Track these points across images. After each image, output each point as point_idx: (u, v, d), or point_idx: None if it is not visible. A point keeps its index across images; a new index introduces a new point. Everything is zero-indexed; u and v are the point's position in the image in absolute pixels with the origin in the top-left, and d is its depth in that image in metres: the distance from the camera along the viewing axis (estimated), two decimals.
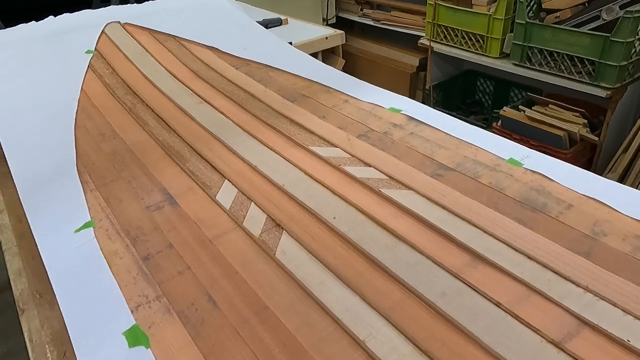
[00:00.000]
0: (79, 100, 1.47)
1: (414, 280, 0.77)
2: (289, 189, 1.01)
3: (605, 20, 2.00)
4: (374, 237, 0.87)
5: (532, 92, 2.42)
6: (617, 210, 0.90)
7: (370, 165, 1.08)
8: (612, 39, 1.93)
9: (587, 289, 0.73)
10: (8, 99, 1.49)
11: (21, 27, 1.94)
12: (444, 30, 2.62)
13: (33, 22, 1.96)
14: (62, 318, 0.78)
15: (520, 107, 2.27)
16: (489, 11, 2.38)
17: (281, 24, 2.45)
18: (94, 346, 0.72)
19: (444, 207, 0.92)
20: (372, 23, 3.29)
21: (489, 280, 0.76)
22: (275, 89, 1.50)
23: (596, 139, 2.11)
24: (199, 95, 1.47)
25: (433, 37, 2.69)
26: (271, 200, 0.99)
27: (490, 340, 0.66)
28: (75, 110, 1.42)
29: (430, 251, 0.83)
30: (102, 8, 2.13)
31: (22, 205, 1.06)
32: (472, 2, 2.47)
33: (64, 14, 2.02)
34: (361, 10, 3.41)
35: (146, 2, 2.27)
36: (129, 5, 2.18)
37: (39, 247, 0.93)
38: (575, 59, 2.10)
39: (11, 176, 1.16)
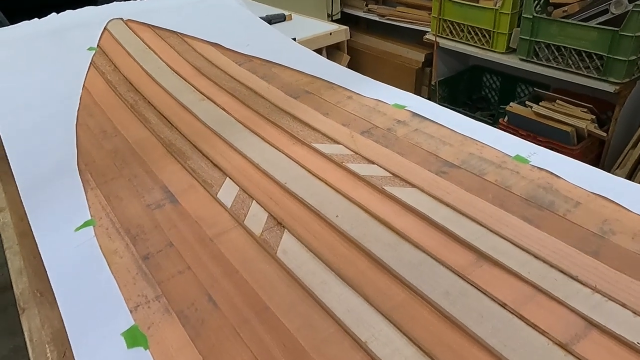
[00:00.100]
0: (80, 97, 1.46)
1: (417, 280, 0.75)
2: (291, 186, 1.00)
3: (613, 14, 1.97)
4: (377, 235, 0.85)
5: (539, 87, 2.40)
6: (626, 208, 0.87)
7: (373, 163, 1.06)
8: (621, 33, 1.90)
9: (595, 289, 0.71)
10: (10, 96, 1.49)
11: (24, 24, 1.93)
12: (450, 25, 2.60)
13: (35, 19, 1.95)
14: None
15: (527, 102, 2.24)
16: (495, 5, 2.35)
17: (285, 20, 2.44)
18: (93, 347, 0.71)
19: (448, 205, 0.91)
20: (377, 18, 3.26)
21: (495, 280, 0.75)
22: (278, 85, 1.48)
23: (604, 134, 2.08)
24: (201, 92, 1.46)
25: (439, 33, 2.66)
26: (273, 198, 0.97)
27: (495, 343, 0.65)
28: (77, 107, 1.41)
29: (434, 250, 0.81)
30: (105, 5, 2.12)
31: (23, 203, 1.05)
32: None
33: (67, 11, 2.01)
34: (366, 5, 3.38)
35: None
36: (131, 1, 2.17)
37: (38, 245, 0.92)
38: (583, 54, 2.07)
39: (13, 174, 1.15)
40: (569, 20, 2.06)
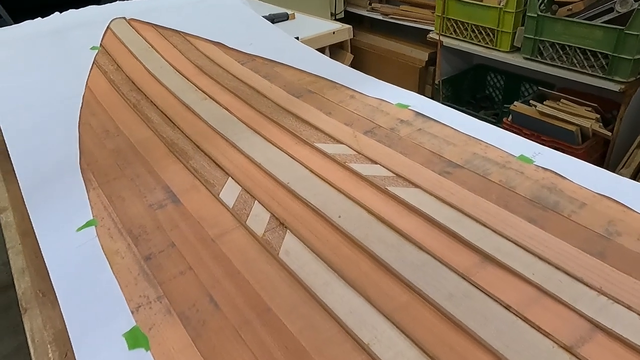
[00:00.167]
0: (83, 97, 1.46)
1: (420, 282, 0.74)
2: (294, 186, 0.99)
3: (619, 12, 1.96)
4: (380, 236, 0.85)
5: (544, 86, 2.39)
6: (632, 209, 0.86)
7: (376, 163, 1.05)
8: (627, 31, 1.89)
9: (600, 292, 0.70)
10: (13, 96, 1.49)
11: (26, 24, 1.94)
12: (454, 24, 2.59)
13: (38, 18, 1.95)
14: None
15: (531, 102, 2.23)
16: (499, 4, 2.34)
17: (288, 19, 2.43)
18: (94, 348, 0.71)
19: (452, 206, 0.90)
20: (380, 17, 3.25)
21: (499, 282, 0.74)
22: (281, 84, 1.48)
23: (609, 134, 2.07)
24: (203, 92, 1.45)
25: (442, 31, 2.65)
26: (275, 199, 0.97)
27: (499, 345, 0.64)
28: (80, 107, 1.41)
29: (438, 251, 0.80)
30: (108, 4, 2.12)
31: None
32: None
33: (70, 10, 2.01)
34: (370, 4, 3.37)
35: None
36: (134, 1, 2.17)
37: (40, 245, 0.92)
38: (588, 53, 2.06)
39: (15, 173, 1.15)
40: (574, 19, 2.05)
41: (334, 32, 2.28)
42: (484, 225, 0.85)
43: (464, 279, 0.75)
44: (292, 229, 0.88)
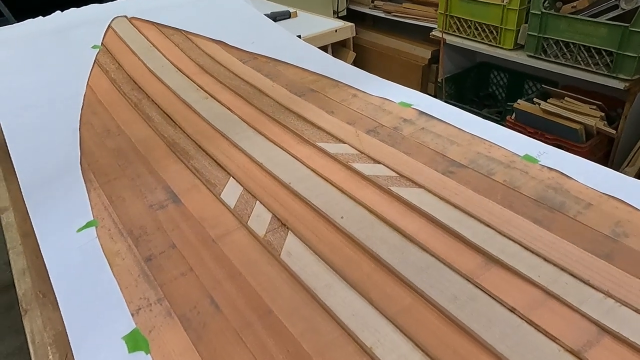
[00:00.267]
0: (84, 96, 1.45)
1: (424, 284, 0.73)
2: (296, 186, 0.98)
3: (623, 9, 1.94)
4: (383, 237, 0.84)
5: (547, 84, 2.37)
6: (639, 210, 0.85)
7: (379, 162, 1.04)
8: (631, 29, 1.87)
9: (607, 294, 0.69)
10: (14, 95, 1.48)
11: (28, 23, 1.93)
12: (457, 21, 2.57)
13: (40, 17, 1.95)
14: None
15: (535, 99, 2.21)
16: (503, 2, 2.32)
17: (290, 17, 2.42)
18: (94, 351, 0.70)
19: (455, 206, 0.89)
20: (383, 15, 3.24)
21: (503, 284, 0.73)
22: (283, 83, 1.47)
23: (614, 132, 2.05)
24: (205, 90, 1.44)
25: (445, 29, 2.64)
26: (277, 199, 0.96)
27: (504, 349, 0.63)
28: (81, 106, 1.40)
29: (442, 253, 0.79)
30: (109, 2, 2.11)
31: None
32: None
33: (71, 9, 2.00)
34: (372, 2, 3.35)
35: None
36: None
37: (40, 246, 0.91)
38: (592, 50, 2.04)
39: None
40: (578, 16, 2.03)
41: (336, 30, 2.27)
42: (489, 226, 0.83)
43: (469, 281, 0.74)
44: (294, 230, 0.88)
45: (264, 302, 0.74)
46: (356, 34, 2.40)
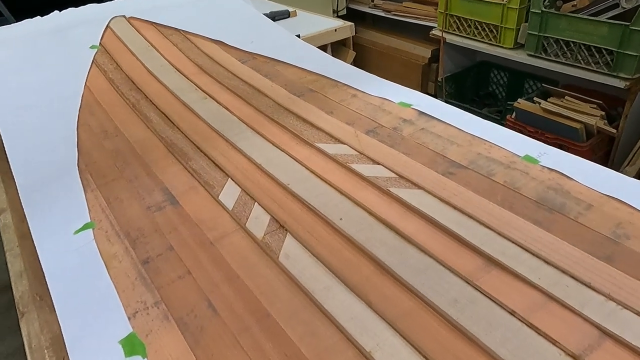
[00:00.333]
0: (82, 96, 1.44)
1: (423, 287, 0.73)
2: (294, 188, 0.98)
3: (624, 8, 1.93)
4: (382, 239, 0.83)
5: (548, 83, 2.36)
6: None
7: (378, 163, 1.03)
8: (632, 27, 1.86)
9: (609, 297, 0.69)
10: (11, 95, 1.48)
11: (25, 23, 1.92)
12: (457, 20, 2.56)
13: (38, 17, 1.94)
14: None
15: (535, 99, 2.21)
16: (503, 0, 2.31)
17: (289, 16, 2.41)
18: (90, 355, 0.69)
19: (455, 208, 0.88)
20: (383, 14, 3.23)
21: (504, 287, 0.72)
22: (282, 83, 1.46)
23: (614, 131, 2.04)
24: (203, 91, 1.44)
25: (445, 28, 2.63)
26: (275, 200, 0.95)
27: (505, 353, 0.62)
28: (79, 106, 1.39)
29: (441, 255, 0.78)
30: (107, 2, 2.10)
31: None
32: None
33: (69, 9, 1.99)
34: (372, 1, 3.34)
35: None
36: None
37: (37, 248, 0.91)
38: (593, 49, 2.03)
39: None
40: (579, 15, 2.02)
41: (335, 30, 2.26)
42: (489, 227, 0.83)
43: (468, 283, 0.73)
44: (293, 232, 0.87)
45: (262, 305, 0.73)
46: (356, 33, 2.39)
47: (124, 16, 1.96)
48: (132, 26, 1.90)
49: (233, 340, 0.69)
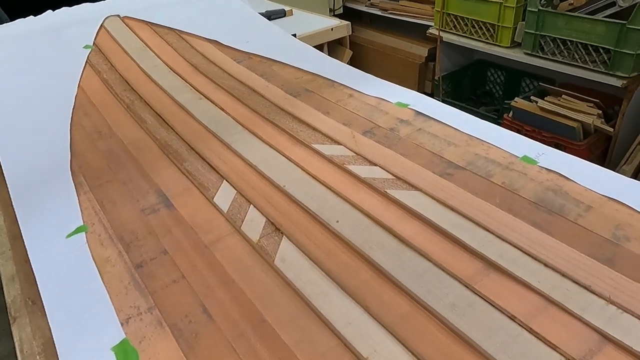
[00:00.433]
0: (75, 97, 1.43)
1: (422, 291, 0.71)
2: (290, 190, 0.96)
3: (621, 7, 1.93)
4: (379, 242, 0.82)
5: (545, 82, 2.35)
6: None
7: (375, 164, 1.02)
8: (629, 26, 1.86)
9: (609, 301, 0.68)
10: (3, 96, 1.46)
11: (18, 22, 1.90)
12: (454, 19, 2.55)
13: (31, 16, 1.92)
14: None
15: (532, 97, 2.20)
16: None
17: (285, 16, 2.40)
18: None
19: (453, 209, 0.87)
20: (380, 13, 3.21)
21: (503, 291, 0.71)
22: (278, 83, 1.45)
23: (611, 130, 2.04)
24: (198, 91, 1.42)
25: (442, 27, 2.62)
26: (271, 202, 0.94)
27: (504, 358, 0.61)
28: (72, 107, 1.37)
29: (440, 258, 0.77)
30: (102, 1, 2.08)
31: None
32: None
33: (63, 8, 1.97)
34: (369, 0, 3.33)
35: None
36: None
37: (29, 252, 0.89)
38: (590, 48, 2.02)
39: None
40: (576, 14, 2.01)
41: (332, 29, 2.25)
42: (487, 230, 0.82)
43: (467, 287, 0.72)
44: (288, 235, 0.86)
45: (257, 310, 0.72)
46: (352, 32, 2.38)
47: (118, 15, 1.94)
48: (127, 26, 1.88)
49: (228, 346, 0.67)
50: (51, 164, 1.13)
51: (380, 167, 1.01)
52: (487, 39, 2.43)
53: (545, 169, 0.96)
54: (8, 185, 1.08)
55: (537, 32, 2.16)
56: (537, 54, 2.22)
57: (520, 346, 0.63)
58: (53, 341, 0.73)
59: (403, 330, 0.66)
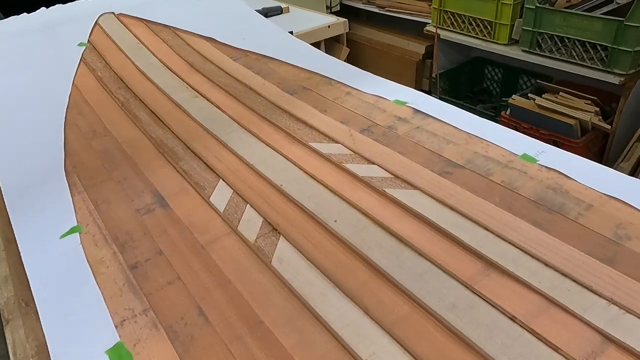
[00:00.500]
0: (70, 95, 1.41)
1: (421, 292, 0.70)
2: (287, 189, 0.95)
3: (618, 3, 1.92)
4: (378, 242, 0.81)
5: (542, 79, 2.34)
6: None
7: (373, 163, 1.01)
8: (626, 23, 1.85)
9: (611, 301, 0.67)
10: None
11: (12, 20, 1.89)
12: (451, 16, 2.54)
13: (24, 14, 1.90)
14: None
15: (529, 95, 2.19)
16: None
17: (282, 13, 2.38)
18: None
19: (452, 209, 0.86)
20: (377, 10, 3.20)
21: (503, 291, 0.70)
22: (275, 81, 1.43)
23: (608, 127, 2.03)
24: (194, 89, 1.41)
25: (439, 24, 2.60)
26: (268, 202, 0.93)
27: None
28: (66, 106, 1.36)
29: (439, 258, 0.76)
30: None
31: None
32: None
33: (57, 5, 1.95)
34: None
35: None
36: None
37: (21, 253, 0.88)
38: (587, 45, 2.01)
39: None
40: (573, 11, 2.01)
41: (329, 26, 2.23)
42: (487, 229, 0.81)
43: (467, 287, 0.71)
44: (286, 235, 0.84)
45: (254, 312, 0.71)
46: (349, 29, 2.36)
47: (113, 13, 1.93)
48: (122, 23, 1.87)
49: (224, 349, 0.66)
50: (45, 163, 1.12)
51: (378, 165, 1.00)
52: (485, 36, 2.42)
53: (545, 167, 0.95)
54: (1, 186, 1.06)
55: (535, 29, 2.15)
56: (534, 51, 2.21)
57: (522, 347, 0.62)
58: (46, 344, 0.72)
59: (402, 331, 0.65)
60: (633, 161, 2.10)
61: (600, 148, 2.18)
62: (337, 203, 0.91)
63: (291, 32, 1.96)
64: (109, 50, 1.67)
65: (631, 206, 0.83)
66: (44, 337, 0.73)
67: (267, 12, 2.28)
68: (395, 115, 1.20)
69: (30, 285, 0.81)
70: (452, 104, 1.23)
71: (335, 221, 0.86)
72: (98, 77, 1.51)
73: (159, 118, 1.27)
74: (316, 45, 2.05)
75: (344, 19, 2.29)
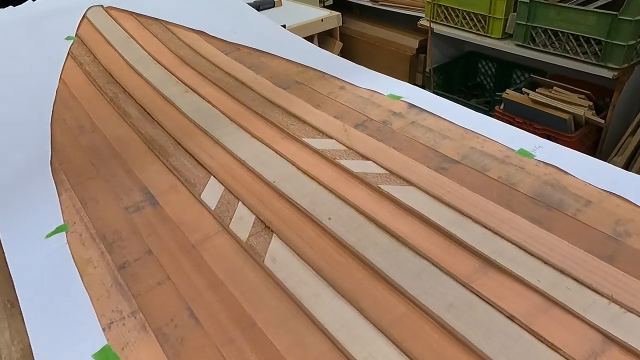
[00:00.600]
0: (57, 90, 1.38)
1: (418, 291, 0.69)
2: (280, 186, 0.93)
3: None
4: (374, 240, 0.79)
5: (536, 73, 2.33)
6: None
7: (368, 159, 0.99)
8: (620, 17, 1.84)
9: (612, 299, 0.65)
10: None
11: None
12: (445, 10, 2.52)
13: (10, 6, 1.86)
14: None
15: (523, 89, 2.18)
16: None
17: (274, 6, 2.35)
18: None
19: (449, 205, 0.84)
20: (370, 4, 3.17)
21: (502, 289, 0.68)
22: (267, 75, 1.41)
23: (602, 121, 2.03)
24: (185, 84, 1.38)
25: (433, 18, 2.59)
26: (260, 199, 0.91)
27: None
28: (53, 101, 1.32)
29: (436, 256, 0.75)
30: None
31: None
32: None
33: None
34: None
35: None
36: None
37: (6, 253, 0.85)
38: (581, 39, 2.00)
39: None
40: (567, 5, 1.99)
41: (322, 20, 2.21)
42: (485, 226, 0.79)
43: (465, 286, 0.69)
44: (279, 233, 0.82)
45: (247, 313, 0.69)
46: (343, 23, 2.34)
47: (101, 6, 1.89)
48: (110, 16, 1.83)
49: (216, 352, 0.64)
50: (30, 160, 1.09)
51: (373, 161, 0.98)
52: (478, 30, 2.41)
53: (543, 162, 0.94)
54: None
55: (529, 24, 2.14)
56: (528, 46, 2.20)
57: (521, 348, 0.61)
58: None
59: (399, 332, 0.64)
60: (627, 155, 2.10)
61: (593, 142, 2.18)
62: (331, 200, 0.89)
63: (284, 26, 1.93)
64: (97, 44, 1.64)
65: (631, 202, 0.82)
66: (30, 340, 0.71)
67: (260, 5, 2.25)
68: (390, 110, 1.18)
69: (15, 287, 0.78)
70: (446, 99, 1.21)
71: (330, 219, 0.84)
72: (86, 72, 1.48)
73: (148, 113, 1.24)
74: (309, 39, 2.02)
75: (337, 13, 2.27)
